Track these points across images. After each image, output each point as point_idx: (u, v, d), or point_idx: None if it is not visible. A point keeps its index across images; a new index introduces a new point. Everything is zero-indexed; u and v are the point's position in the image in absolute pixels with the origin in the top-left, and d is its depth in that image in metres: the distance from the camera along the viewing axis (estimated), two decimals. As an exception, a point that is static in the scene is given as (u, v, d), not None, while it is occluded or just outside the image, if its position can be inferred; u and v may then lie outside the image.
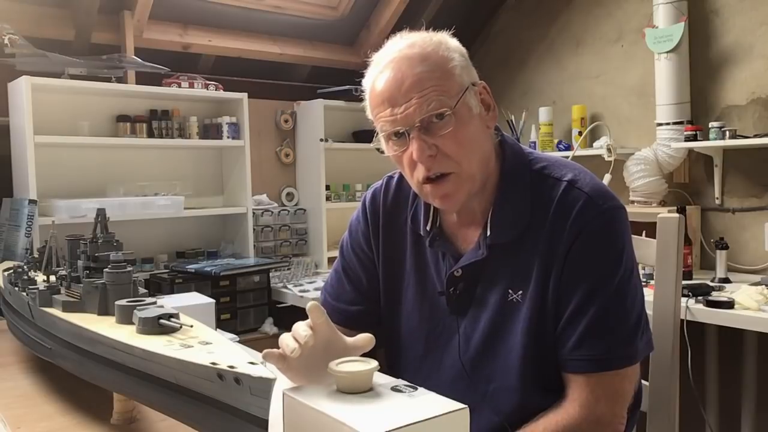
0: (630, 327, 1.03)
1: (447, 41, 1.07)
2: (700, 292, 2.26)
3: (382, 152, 1.10)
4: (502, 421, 1.06)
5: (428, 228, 1.15)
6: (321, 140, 3.28)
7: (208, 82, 2.97)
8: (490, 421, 1.07)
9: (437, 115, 1.01)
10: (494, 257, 1.08)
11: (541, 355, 1.05)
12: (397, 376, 0.81)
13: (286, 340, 0.86)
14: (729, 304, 2.13)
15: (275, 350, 0.84)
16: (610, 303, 1.02)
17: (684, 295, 2.18)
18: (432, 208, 1.15)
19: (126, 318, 0.96)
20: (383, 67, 1.05)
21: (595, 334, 1.01)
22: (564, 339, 1.04)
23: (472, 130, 1.05)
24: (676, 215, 1.28)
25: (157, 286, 2.68)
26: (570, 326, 1.03)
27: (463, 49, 1.09)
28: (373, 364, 0.79)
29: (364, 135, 3.50)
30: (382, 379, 0.79)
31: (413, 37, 1.06)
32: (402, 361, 1.20)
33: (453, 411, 0.70)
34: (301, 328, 0.86)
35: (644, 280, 2.43)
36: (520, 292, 1.06)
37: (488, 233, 1.07)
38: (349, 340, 0.91)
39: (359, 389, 0.77)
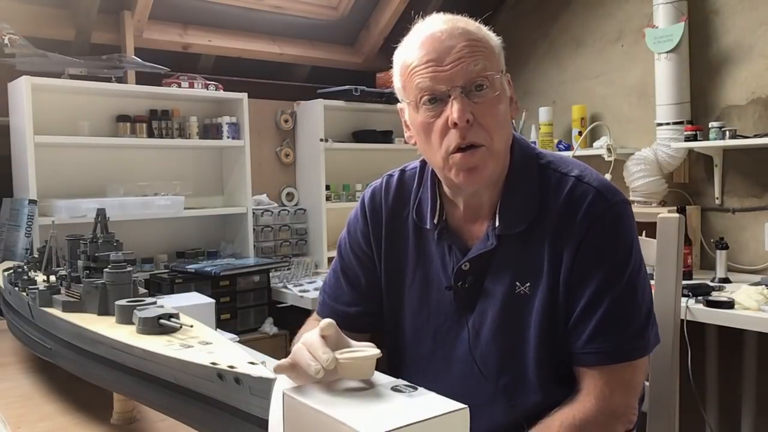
0: (642, 318, 1.04)
1: (484, 27, 1.10)
2: (700, 292, 2.26)
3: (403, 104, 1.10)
4: (518, 414, 1.05)
5: (435, 222, 1.14)
6: (321, 140, 3.28)
7: (208, 82, 2.97)
8: (506, 415, 1.07)
9: (477, 85, 1.02)
10: (502, 249, 1.08)
11: (554, 347, 1.06)
12: (401, 377, 0.81)
13: (306, 358, 0.80)
14: (729, 304, 2.13)
15: (284, 361, 0.82)
16: (623, 296, 1.03)
17: (684, 295, 2.18)
18: (438, 202, 1.14)
19: (126, 318, 0.96)
20: (430, 34, 1.04)
21: (609, 327, 1.02)
22: (577, 332, 1.04)
23: (505, 110, 1.07)
24: (677, 215, 1.28)
25: (157, 286, 2.68)
26: (583, 319, 1.03)
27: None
28: (375, 351, 0.81)
29: (364, 135, 3.50)
30: (382, 379, 0.80)
31: (454, 17, 1.08)
32: (407, 360, 1.19)
33: (453, 411, 0.70)
34: (320, 349, 0.80)
35: (644, 280, 2.43)
36: (528, 284, 1.07)
37: (497, 224, 1.08)
38: (354, 342, 0.90)
39: (362, 376, 0.78)
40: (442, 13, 1.09)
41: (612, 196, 1.06)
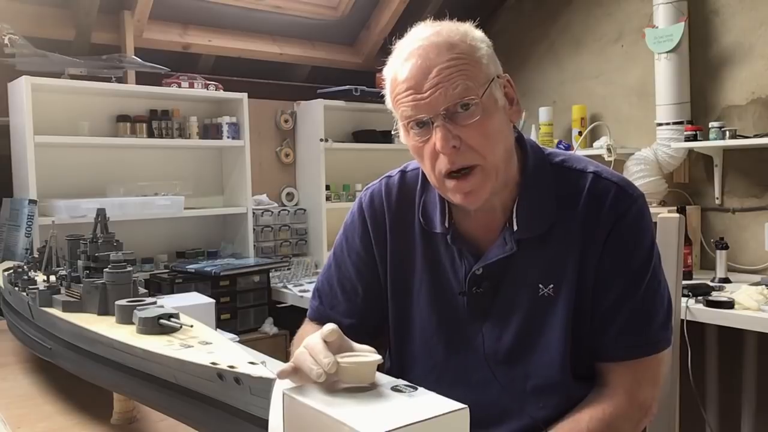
0: (665, 310, 1.05)
1: (473, 31, 1.04)
2: (700, 292, 2.26)
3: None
4: (541, 417, 1.04)
5: (446, 225, 1.10)
6: (321, 140, 3.28)
7: (208, 82, 2.97)
8: (530, 419, 1.05)
9: (462, 105, 0.97)
10: (522, 252, 1.06)
11: (578, 346, 1.05)
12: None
13: (308, 362, 0.79)
14: (729, 304, 2.13)
15: (287, 366, 0.81)
16: (649, 289, 1.03)
17: (684, 295, 2.18)
18: (446, 205, 1.11)
19: (126, 318, 0.96)
20: (408, 55, 1.00)
21: (637, 321, 1.03)
22: (605, 327, 1.04)
23: (497, 123, 1.01)
24: (677, 215, 1.28)
25: (157, 286, 2.68)
26: (612, 314, 1.03)
27: (489, 40, 1.06)
28: (376, 357, 0.81)
29: (364, 135, 3.50)
30: (382, 379, 0.80)
31: (439, 26, 1.03)
32: (418, 368, 1.15)
33: (453, 411, 0.70)
34: (322, 353, 0.79)
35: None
36: (552, 285, 1.05)
37: (515, 228, 1.05)
38: (357, 345, 0.89)
39: (362, 381, 0.78)
40: (428, 20, 1.05)
41: (633, 191, 1.06)
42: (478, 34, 1.05)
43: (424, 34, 1.02)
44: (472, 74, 0.98)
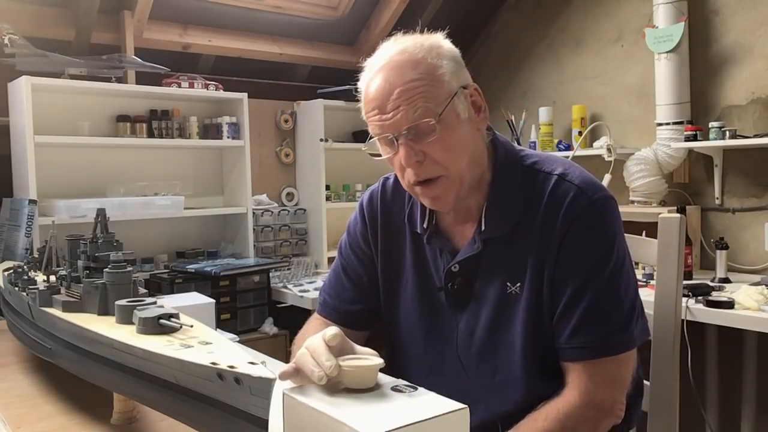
0: (624, 313, 1.05)
1: (439, 45, 1.08)
2: (700, 292, 2.26)
3: (372, 154, 1.14)
4: (504, 412, 1.07)
5: (425, 226, 1.17)
6: (321, 140, 3.28)
7: (208, 82, 2.97)
8: (495, 412, 1.09)
9: (423, 123, 1.03)
10: (490, 251, 1.11)
11: (542, 345, 1.08)
12: (399, 373, 0.82)
13: (310, 364, 0.80)
14: (729, 304, 2.13)
15: (288, 367, 0.82)
16: (604, 291, 1.04)
17: (684, 295, 2.18)
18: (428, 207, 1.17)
19: (126, 318, 0.96)
20: (375, 73, 1.08)
21: (591, 322, 1.04)
22: (560, 328, 1.06)
23: (460, 135, 1.07)
24: (678, 215, 1.28)
25: (157, 286, 2.68)
26: (566, 315, 1.05)
27: (456, 52, 1.10)
28: (378, 360, 0.81)
29: (364, 135, 3.46)
30: (382, 379, 0.80)
31: (405, 42, 1.08)
32: (403, 357, 1.21)
33: (453, 411, 0.70)
34: (324, 356, 0.80)
35: (645, 280, 2.44)
36: (518, 284, 1.09)
37: (482, 228, 1.10)
38: (359, 348, 0.90)
39: (364, 385, 0.78)
40: (397, 35, 1.11)
41: (593, 193, 1.07)
42: (445, 47, 1.09)
43: (390, 51, 1.08)
44: (433, 95, 1.04)
